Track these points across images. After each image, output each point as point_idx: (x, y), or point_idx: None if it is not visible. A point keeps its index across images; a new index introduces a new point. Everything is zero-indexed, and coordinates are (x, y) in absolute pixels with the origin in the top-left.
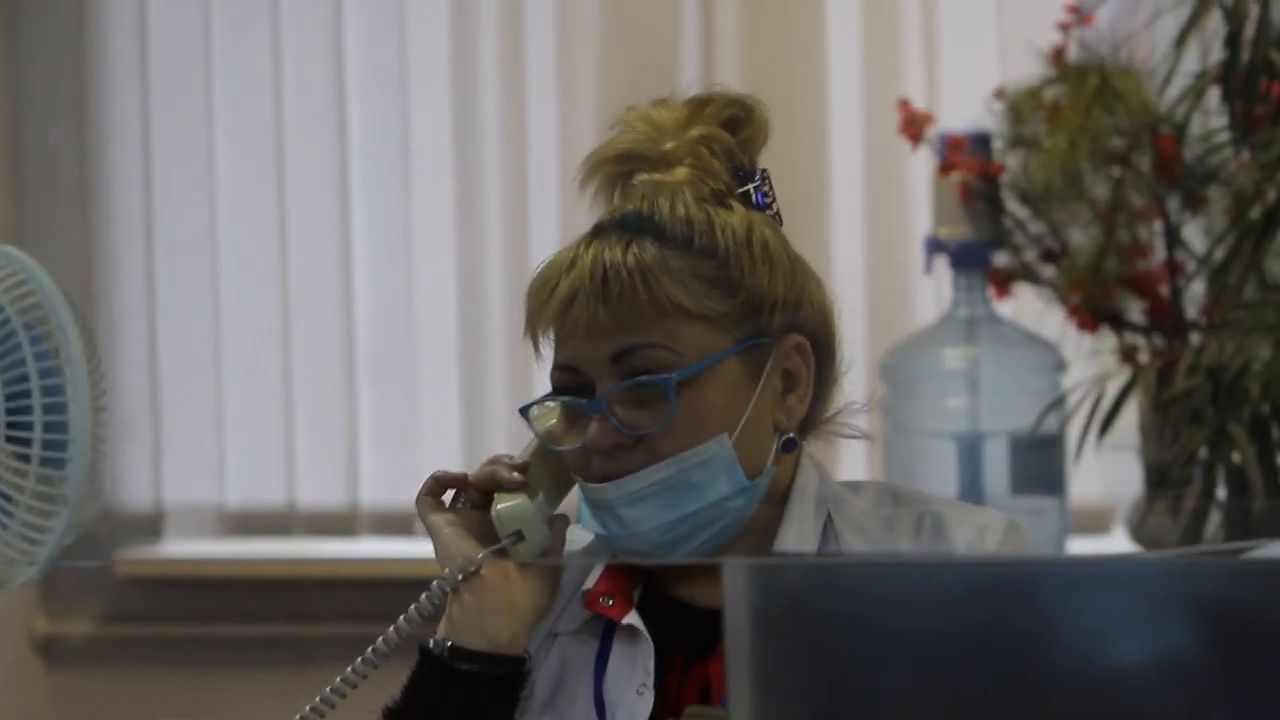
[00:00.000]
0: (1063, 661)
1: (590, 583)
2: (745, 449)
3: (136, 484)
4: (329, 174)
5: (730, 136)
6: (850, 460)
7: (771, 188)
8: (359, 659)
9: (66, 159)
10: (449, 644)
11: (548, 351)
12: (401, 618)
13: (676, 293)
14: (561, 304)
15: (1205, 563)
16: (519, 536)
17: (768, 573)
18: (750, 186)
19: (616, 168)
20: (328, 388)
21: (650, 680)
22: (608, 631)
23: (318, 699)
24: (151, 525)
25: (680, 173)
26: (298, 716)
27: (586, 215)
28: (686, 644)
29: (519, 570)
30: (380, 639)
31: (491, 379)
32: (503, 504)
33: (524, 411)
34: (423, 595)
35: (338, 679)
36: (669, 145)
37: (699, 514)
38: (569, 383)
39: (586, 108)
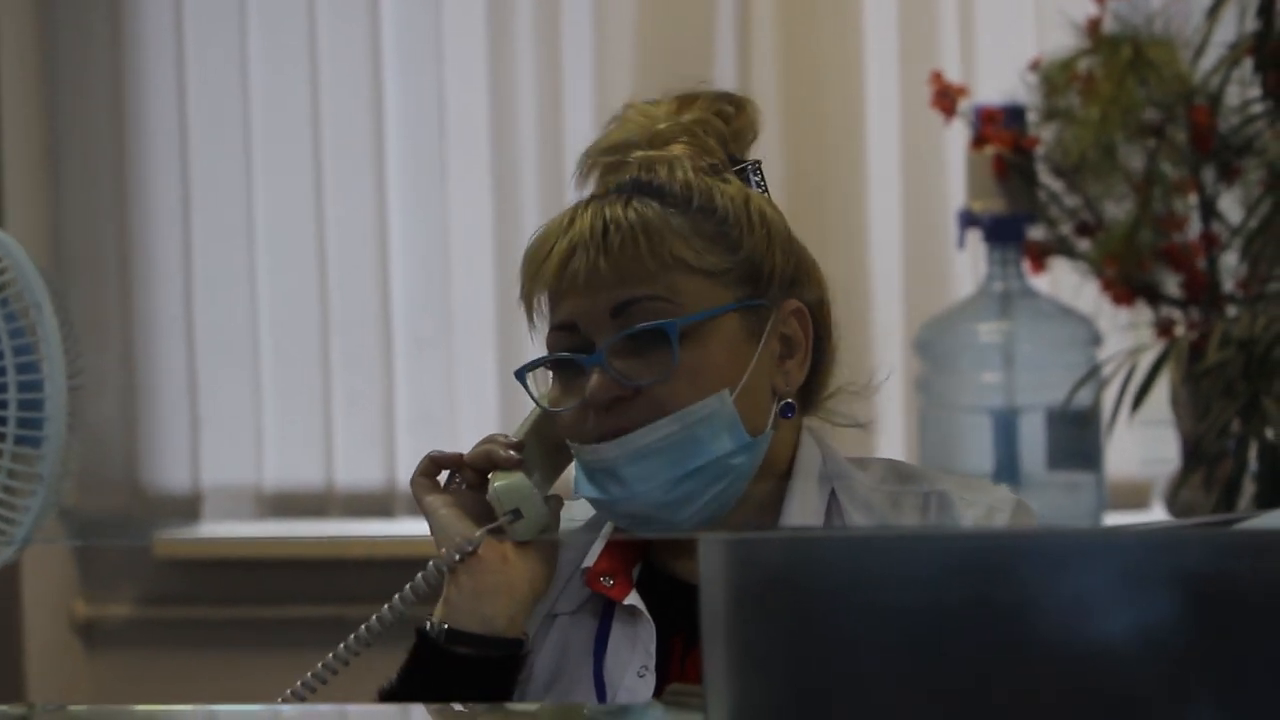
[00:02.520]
0: (1047, 635)
1: (590, 560)
2: (745, 408)
3: (174, 466)
4: (366, 156)
5: (723, 124)
6: (886, 436)
7: (764, 179)
8: (351, 636)
9: (104, 142)
10: (445, 627)
11: (540, 323)
12: (396, 597)
13: (678, 246)
14: (560, 260)
15: (1189, 534)
16: (516, 514)
17: (745, 547)
18: (746, 166)
19: (611, 157)
20: (365, 369)
21: (651, 662)
22: (607, 610)
23: (309, 674)
24: (189, 507)
25: (676, 148)
26: (288, 691)
27: None
28: (688, 624)
29: (516, 551)
30: (374, 617)
31: (528, 359)
32: (499, 482)
33: (520, 375)
34: (418, 575)
35: (329, 655)
36: (662, 127)
37: (702, 471)
38: (566, 344)
39: (623, 83)
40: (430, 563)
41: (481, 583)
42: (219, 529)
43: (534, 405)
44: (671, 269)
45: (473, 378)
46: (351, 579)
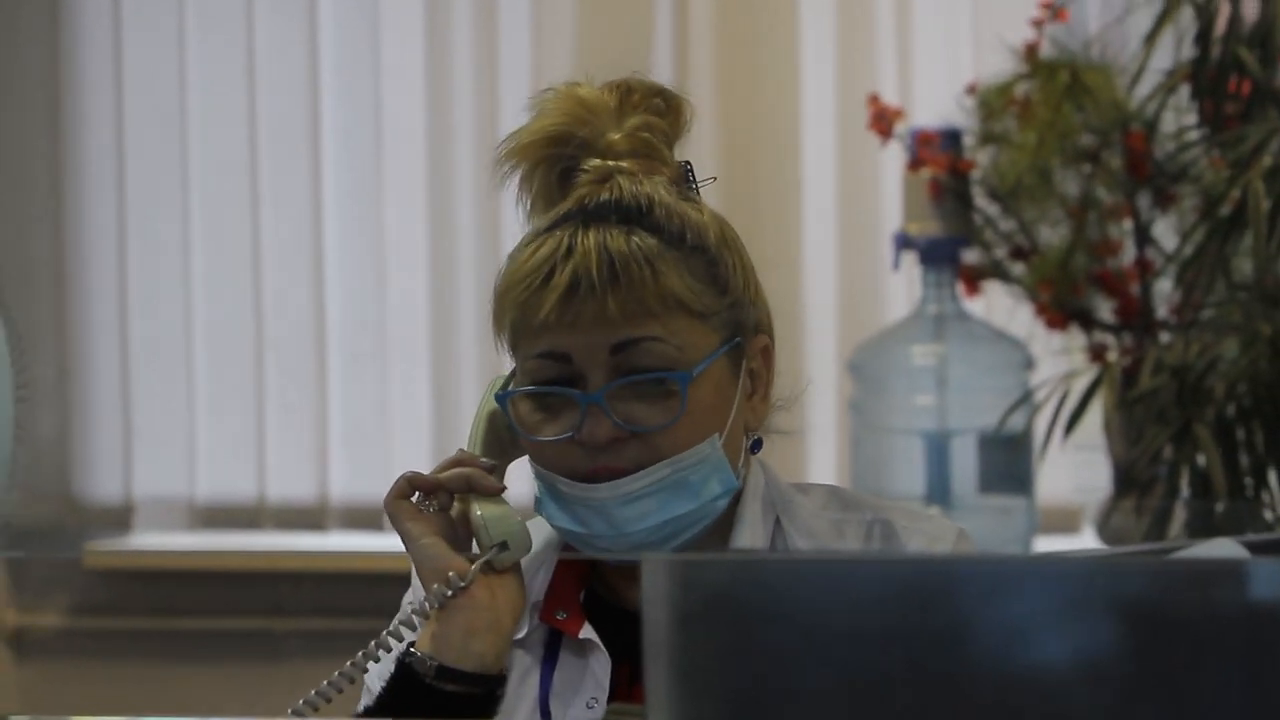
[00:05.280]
0: (984, 660)
1: (540, 590)
2: (729, 450)
3: (106, 476)
4: (302, 168)
5: (662, 121)
6: (818, 457)
7: (695, 178)
8: (348, 663)
9: (39, 150)
10: (436, 664)
11: (521, 346)
12: (385, 634)
13: (679, 287)
14: (564, 291)
15: (1130, 562)
16: (503, 546)
17: (688, 568)
18: (686, 170)
19: (550, 150)
20: (298, 382)
21: (604, 695)
22: (553, 638)
23: (301, 702)
24: (121, 518)
25: (632, 162)
26: (290, 710)
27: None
28: (634, 653)
29: (499, 583)
30: (361, 654)
31: (462, 375)
32: (488, 512)
33: (501, 400)
34: (409, 610)
35: (324, 682)
36: (614, 135)
37: (690, 515)
38: (554, 373)
39: None
40: (423, 599)
41: (475, 620)
42: (150, 540)
43: (479, 413)
44: (673, 311)
45: (406, 392)
46: (283, 592)
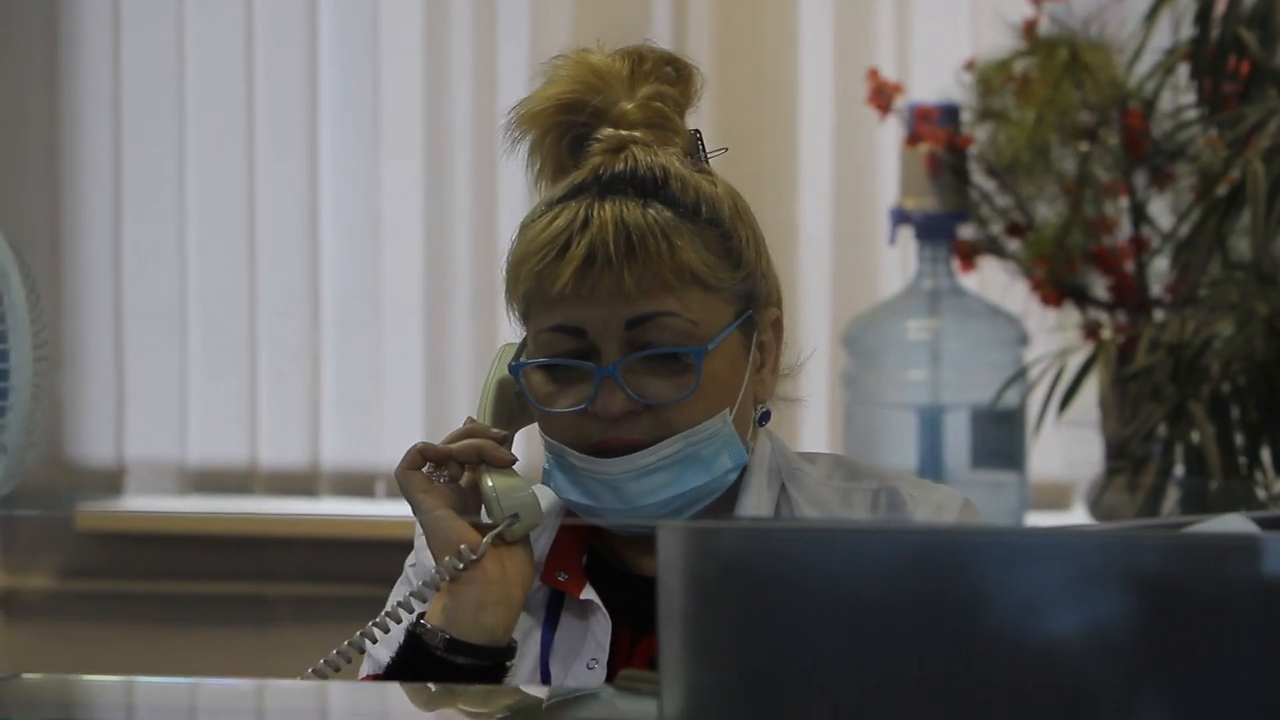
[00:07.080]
0: (1000, 631)
1: (541, 552)
2: (739, 423)
3: (98, 439)
4: (298, 135)
5: (674, 90)
6: (811, 429)
7: (705, 148)
8: (357, 634)
9: (36, 116)
10: (446, 636)
11: (534, 315)
12: (396, 605)
13: (694, 261)
14: (580, 264)
15: (1144, 536)
16: (514, 518)
17: (703, 536)
18: (696, 140)
19: (562, 118)
20: (291, 347)
21: (604, 655)
22: (554, 601)
23: (322, 662)
24: (113, 480)
25: (645, 132)
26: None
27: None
28: (634, 615)
29: (509, 555)
30: (372, 623)
31: (455, 343)
32: (499, 483)
33: (515, 370)
34: (421, 582)
35: (334, 651)
36: (626, 105)
37: (700, 489)
38: (568, 346)
39: None
40: (433, 570)
41: (486, 594)
42: (142, 503)
43: (488, 382)
44: (689, 285)
45: (399, 360)
46: (273, 557)
